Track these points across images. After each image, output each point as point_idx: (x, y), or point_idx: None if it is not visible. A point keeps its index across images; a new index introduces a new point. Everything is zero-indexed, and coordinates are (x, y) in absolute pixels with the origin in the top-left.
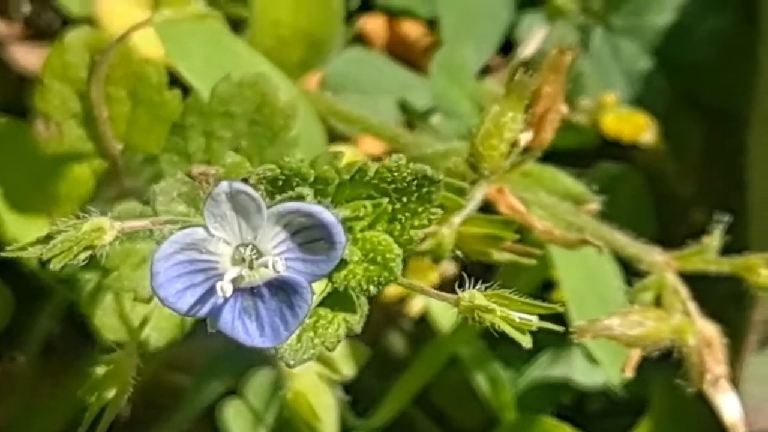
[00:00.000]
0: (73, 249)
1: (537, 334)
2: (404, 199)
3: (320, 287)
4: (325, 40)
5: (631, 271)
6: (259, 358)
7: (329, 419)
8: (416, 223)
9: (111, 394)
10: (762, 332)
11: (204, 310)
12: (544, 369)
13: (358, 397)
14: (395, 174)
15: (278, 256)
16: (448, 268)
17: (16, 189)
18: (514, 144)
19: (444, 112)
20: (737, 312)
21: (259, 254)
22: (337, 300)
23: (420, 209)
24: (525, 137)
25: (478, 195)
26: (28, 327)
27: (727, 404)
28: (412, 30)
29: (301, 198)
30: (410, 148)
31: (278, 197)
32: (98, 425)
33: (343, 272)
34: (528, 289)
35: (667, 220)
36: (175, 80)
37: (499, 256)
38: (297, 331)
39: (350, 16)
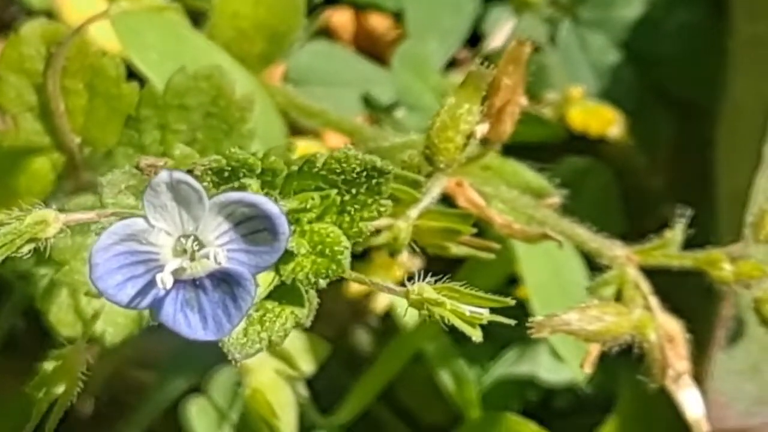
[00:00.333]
0: (15, 242)
1: (503, 331)
2: (353, 191)
3: (267, 280)
4: (286, 33)
5: (598, 266)
6: (223, 355)
7: (287, 417)
8: (366, 215)
9: (60, 390)
10: (730, 328)
11: (145, 303)
12: (510, 366)
13: (324, 393)
14: (344, 165)
15: (220, 248)
16: (414, 263)
17: None
18: (470, 136)
19: (407, 106)
20: (709, 307)
21: (201, 245)
22: (284, 293)
23: (369, 201)
24: (481, 129)
25: (436, 188)
26: None
27: (690, 401)
28: (379, 23)
29: (244, 188)
30: (371, 141)
31: (224, 189)
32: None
33: (291, 265)
34: (492, 284)
35: (638, 215)
36: (133, 73)
37: (457, 250)
38: (243, 325)
39: (316, 9)
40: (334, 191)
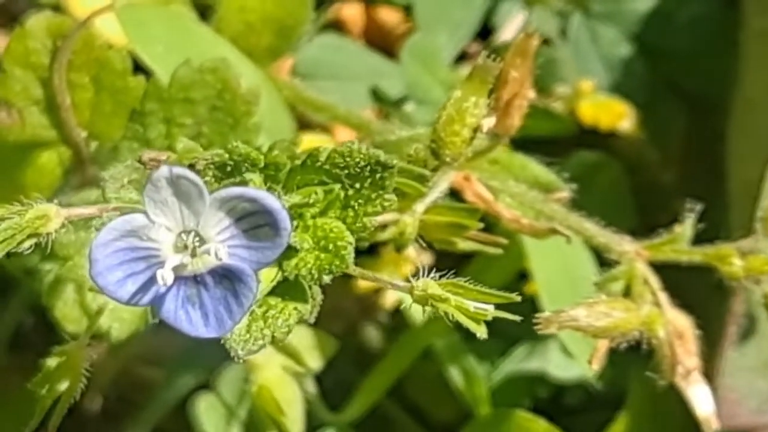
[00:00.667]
0: (16, 237)
1: (513, 327)
2: (357, 185)
3: (270, 276)
4: (293, 26)
5: (608, 262)
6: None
7: (294, 413)
8: (369, 209)
9: (63, 386)
10: (741, 324)
11: (146, 299)
12: (520, 362)
13: (333, 390)
14: (348, 159)
15: (221, 243)
16: (423, 258)
17: None
18: (476, 130)
19: (416, 100)
20: (720, 302)
21: (202, 241)
22: (287, 289)
23: (373, 195)
24: (488, 123)
25: (443, 183)
26: None
27: (700, 397)
28: (389, 16)
29: (245, 183)
30: (378, 135)
31: (226, 183)
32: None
33: (294, 260)
34: (502, 280)
35: (649, 209)
36: (140, 66)
37: (464, 245)
38: (246, 321)
39: (325, 3)
40: (338, 186)
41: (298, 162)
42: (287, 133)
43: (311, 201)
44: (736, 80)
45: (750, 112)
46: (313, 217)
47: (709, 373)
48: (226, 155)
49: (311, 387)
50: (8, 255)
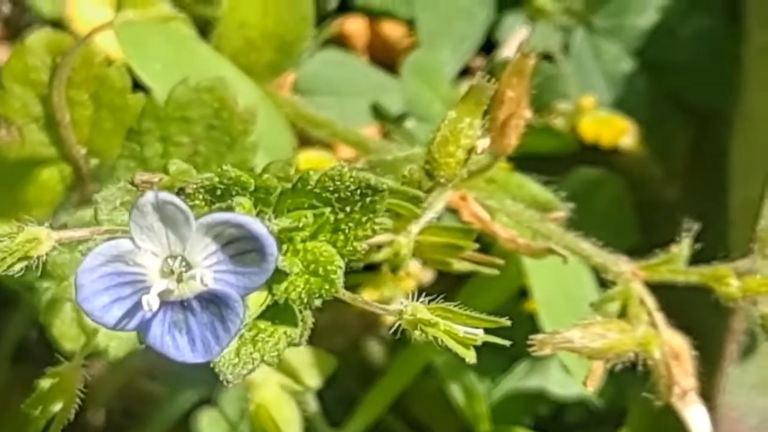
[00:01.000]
0: (6, 260)
1: (515, 344)
2: (347, 209)
3: (260, 299)
4: (294, 43)
5: (607, 280)
6: None
7: None
8: (360, 233)
9: (57, 407)
10: (742, 342)
11: (132, 324)
12: (520, 379)
13: (336, 406)
14: (338, 183)
15: (208, 269)
16: (426, 275)
17: None
18: (471, 151)
19: (417, 116)
20: (722, 320)
21: (189, 266)
22: (277, 313)
23: (364, 219)
24: (483, 144)
25: (439, 203)
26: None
27: (696, 418)
28: (393, 31)
29: (232, 209)
30: (376, 153)
31: (216, 207)
32: None
33: (284, 284)
34: (503, 298)
35: (653, 226)
36: (139, 84)
37: (459, 265)
38: (235, 345)
39: (327, 18)
40: (328, 209)
41: (288, 185)
42: (286, 150)
43: (301, 225)
44: (738, 95)
45: (751, 129)
46: (303, 240)
47: (710, 391)
48: (216, 179)
49: (312, 403)
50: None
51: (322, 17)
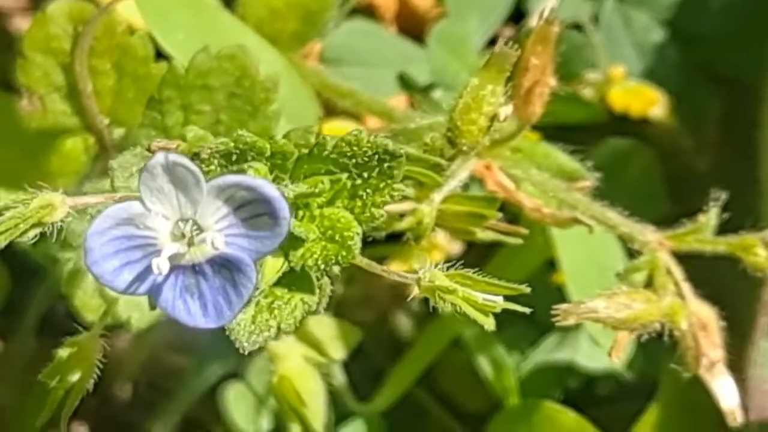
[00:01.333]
0: (20, 226)
1: (545, 316)
2: (365, 175)
3: (276, 266)
4: (319, 12)
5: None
6: None
7: (315, 405)
8: (378, 199)
9: (75, 377)
10: None
11: (143, 289)
12: (549, 352)
13: (365, 378)
14: (355, 148)
15: (219, 232)
16: (454, 247)
17: (6, 165)
18: (493, 118)
19: (443, 86)
20: (751, 292)
21: (200, 230)
22: (294, 280)
23: (381, 185)
24: (506, 111)
25: (463, 171)
26: (26, 306)
27: (724, 390)
28: (421, 1)
29: (243, 172)
30: (398, 122)
31: (232, 171)
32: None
33: (300, 251)
34: (529, 270)
35: (684, 196)
36: (162, 53)
37: (483, 235)
38: (251, 312)
39: None
40: (345, 175)
41: (305, 151)
42: (311, 119)
43: (318, 190)
44: None
45: None
46: (320, 206)
47: (740, 363)
48: (232, 144)
49: (340, 376)
50: (35, 243)
51: None
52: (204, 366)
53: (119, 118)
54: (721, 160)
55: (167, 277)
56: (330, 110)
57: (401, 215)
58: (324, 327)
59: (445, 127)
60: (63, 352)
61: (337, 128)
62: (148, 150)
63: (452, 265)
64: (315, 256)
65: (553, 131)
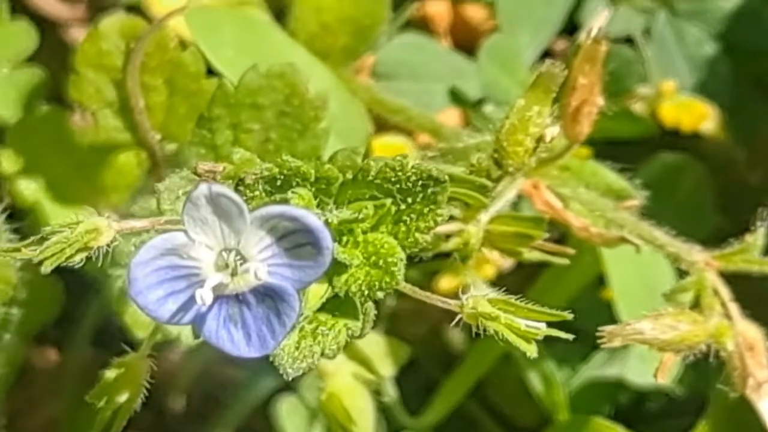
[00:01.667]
0: (66, 251)
1: (594, 331)
2: (409, 200)
3: (320, 292)
4: (371, 26)
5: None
6: None
7: (364, 422)
8: (422, 225)
9: (122, 398)
10: None
11: (187, 318)
12: (599, 368)
13: (418, 393)
14: (399, 173)
15: (263, 262)
16: (505, 262)
17: (59, 179)
18: (540, 139)
19: (495, 102)
20: None
21: (244, 260)
22: (338, 305)
23: (425, 210)
24: (552, 132)
25: (510, 191)
26: (81, 318)
27: None
28: (476, 13)
29: (287, 201)
30: (447, 140)
31: (277, 198)
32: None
33: (344, 276)
34: (579, 286)
35: (736, 210)
36: (214, 71)
37: (530, 255)
38: (295, 338)
39: (407, 0)
40: (389, 200)
41: (349, 176)
42: (361, 136)
43: (362, 216)
44: None
45: None
46: (364, 232)
47: None
48: (276, 169)
49: (391, 391)
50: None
51: (401, 0)
52: (257, 379)
53: (171, 133)
54: None
55: (211, 306)
56: (381, 125)
57: (448, 236)
58: (373, 344)
59: (491, 147)
60: (110, 373)
61: (387, 144)
62: (195, 173)
63: (498, 288)
64: (359, 282)
65: (603, 146)
